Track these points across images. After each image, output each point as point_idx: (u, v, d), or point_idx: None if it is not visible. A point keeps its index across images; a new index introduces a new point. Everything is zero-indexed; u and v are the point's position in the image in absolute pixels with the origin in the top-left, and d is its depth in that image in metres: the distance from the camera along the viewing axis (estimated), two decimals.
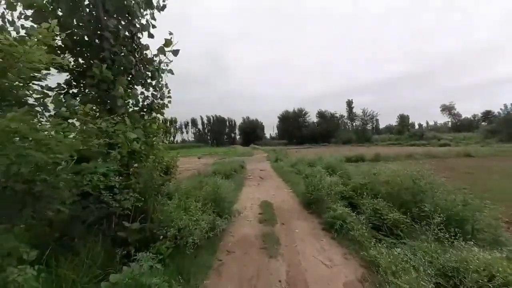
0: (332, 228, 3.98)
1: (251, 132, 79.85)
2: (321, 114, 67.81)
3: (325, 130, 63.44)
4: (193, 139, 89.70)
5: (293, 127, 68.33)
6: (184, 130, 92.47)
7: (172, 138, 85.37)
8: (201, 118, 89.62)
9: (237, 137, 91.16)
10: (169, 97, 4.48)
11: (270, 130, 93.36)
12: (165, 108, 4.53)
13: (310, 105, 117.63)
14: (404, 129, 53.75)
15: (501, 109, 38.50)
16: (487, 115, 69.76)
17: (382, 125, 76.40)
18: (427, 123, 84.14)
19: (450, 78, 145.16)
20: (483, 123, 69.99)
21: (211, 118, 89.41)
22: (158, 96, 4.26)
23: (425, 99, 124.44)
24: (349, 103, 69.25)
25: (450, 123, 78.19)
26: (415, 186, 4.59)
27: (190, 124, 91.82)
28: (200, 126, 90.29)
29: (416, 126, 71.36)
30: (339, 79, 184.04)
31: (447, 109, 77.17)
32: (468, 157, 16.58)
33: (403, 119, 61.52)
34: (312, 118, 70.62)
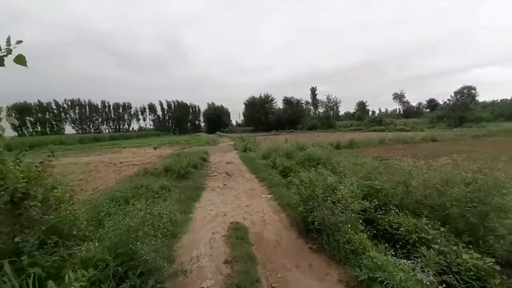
0: None
1: (217, 119, 75.52)
2: (287, 101, 66.95)
3: (291, 116, 63.14)
4: (152, 126, 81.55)
5: (260, 113, 66.43)
6: (140, 116, 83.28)
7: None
8: (161, 104, 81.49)
9: (202, 124, 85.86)
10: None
11: (236, 117, 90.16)
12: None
13: (271, 92, 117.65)
14: (364, 116, 56.38)
15: (451, 96, 42.40)
16: (431, 103, 78.40)
17: (340, 113, 79.77)
18: (380, 110, 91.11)
19: (395, 70, 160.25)
20: (426, 110, 78.60)
21: (172, 104, 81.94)
22: None
23: (373, 89, 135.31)
24: (313, 90, 69.78)
25: (398, 110, 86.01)
26: (481, 197, 2.83)
27: (147, 110, 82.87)
28: (159, 113, 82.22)
29: (370, 113, 76.42)
30: (299, 68, 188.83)
31: (398, 97, 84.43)
32: (434, 141, 16.80)
33: (363, 105, 64.61)
34: (278, 104, 69.67)
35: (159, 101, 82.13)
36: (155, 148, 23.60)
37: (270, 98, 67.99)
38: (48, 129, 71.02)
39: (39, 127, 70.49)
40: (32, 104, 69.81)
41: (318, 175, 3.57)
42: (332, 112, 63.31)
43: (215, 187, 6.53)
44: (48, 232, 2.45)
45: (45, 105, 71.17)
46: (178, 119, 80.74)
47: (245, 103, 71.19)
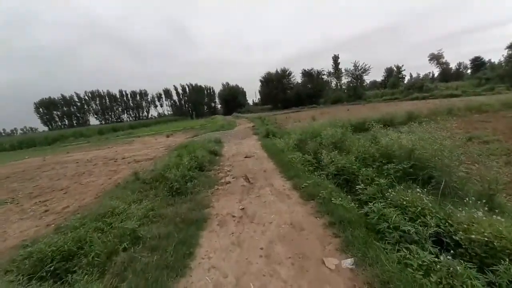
0: None
1: (232, 100, 72.07)
2: (306, 73, 60.55)
3: (311, 90, 57.48)
4: (170, 112, 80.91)
5: (277, 90, 61.33)
6: (158, 103, 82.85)
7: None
8: (175, 88, 79.66)
9: (218, 106, 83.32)
10: None
11: (252, 96, 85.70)
12: None
13: (287, 66, 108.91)
14: (399, 82, 49.15)
15: (508, 50, 34.03)
16: (475, 61, 66.75)
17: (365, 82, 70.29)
18: (411, 75, 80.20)
19: (418, 31, 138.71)
20: (468, 71, 67.49)
21: (187, 88, 79.69)
22: None
23: (395, 54, 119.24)
24: (335, 59, 62.04)
25: (431, 73, 75.28)
26: None
27: (163, 96, 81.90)
28: (175, 98, 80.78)
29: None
30: (313, 39, 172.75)
31: (435, 58, 72.90)
32: None
33: (398, 70, 56.22)
34: (297, 78, 63.50)
35: (173, 85, 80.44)
36: (167, 136, 21.63)
37: (287, 72, 62.23)
38: (74, 122, 73.61)
39: (66, 121, 73.23)
40: (56, 98, 71.74)
41: None
42: (355, 81, 55.96)
43: (226, 216, 3.74)
44: None
45: (68, 98, 72.87)
46: (194, 102, 78.86)
47: (260, 80, 66.10)
